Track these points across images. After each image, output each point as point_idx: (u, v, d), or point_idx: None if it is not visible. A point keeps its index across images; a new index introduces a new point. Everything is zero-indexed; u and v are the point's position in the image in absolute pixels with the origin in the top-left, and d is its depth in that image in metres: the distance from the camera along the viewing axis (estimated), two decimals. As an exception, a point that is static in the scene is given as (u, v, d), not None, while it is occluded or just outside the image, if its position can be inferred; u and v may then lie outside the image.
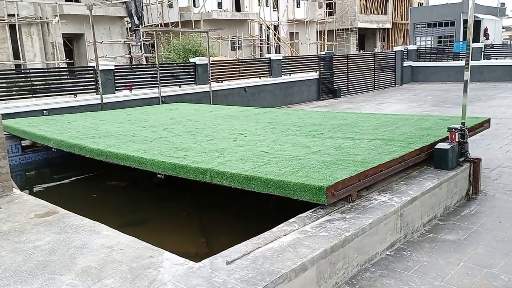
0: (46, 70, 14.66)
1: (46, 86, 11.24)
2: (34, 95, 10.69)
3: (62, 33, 20.44)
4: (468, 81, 5.65)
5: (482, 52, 21.16)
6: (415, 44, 26.00)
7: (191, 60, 14.63)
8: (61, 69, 14.76)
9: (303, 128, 6.95)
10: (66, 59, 20.52)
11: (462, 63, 21.12)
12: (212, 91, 13.79)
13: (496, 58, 21.42)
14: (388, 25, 44.08)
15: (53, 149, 7.44)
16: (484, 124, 6.75)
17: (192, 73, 13.96)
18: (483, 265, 3.80)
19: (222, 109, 10.10)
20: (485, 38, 26.40)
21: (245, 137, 6.36)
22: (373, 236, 3.88)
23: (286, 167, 4.49)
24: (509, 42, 29.94)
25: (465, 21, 25.95)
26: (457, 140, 5.43)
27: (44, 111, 10.31)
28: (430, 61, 23.26)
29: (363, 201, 4.29)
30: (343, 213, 4.00)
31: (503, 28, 33.66)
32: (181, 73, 14.10)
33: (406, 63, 22.63)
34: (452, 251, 4.11)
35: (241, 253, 3.27)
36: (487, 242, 4.27)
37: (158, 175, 5.27)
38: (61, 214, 4.35)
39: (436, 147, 5.38)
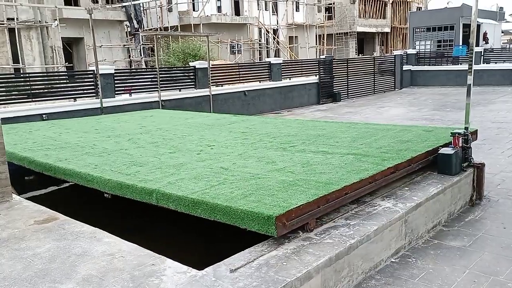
0: (45, 74, 14.62)
1: (45, 90, 11.20)
2: (33, 99, 10.64)
3: (61, 37, 20.43)
4: (472, 85, 5.63)
5: (482, 56, 21.18)
6: (415, 48, 26.02)
7: (191, 64, 14.61)
8: (61, 73, 14.71)
9: (276, 139, 6.56)
10: (65, 63, 20.49)
11: (461, 67, 21.17)
12: (212, 95, 13.75)
13: (496, 62, 21.45)
14: (387, 29, 44.17)
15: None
16: (471, 136, 6.38)
17: (192, 77, 13.92)
18: (489, 273, 3.75)
19: (200, 117, 9.69)
20: (484, 42, 26.44)
21: (211, 150, 6.00)
22: (378, 243, 3.83)
23: (240, 189, 4.04)
24: (508, 46, 30.00)
25: (465, 25, 26.01)
26: (460, 145, 5.40)
27: (44, 115, 10.26)
28: (429, 65, 23.28)
29: (367, 207, 4.24)
30: (347, 219, 3.95)
31: (502, 32, 33.73)
32: (181, 77, 14.06)
33: (405, 67, 22.64)
34: (458, 258, 4.06)
35: (244, 260, 3.21)
36: (492, 248, 4.22)
37: (105, 195, 4.84)
38: (61, 220, 4.29)
39: (439, 152, 5.34)
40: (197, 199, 3.87)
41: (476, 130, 6.31)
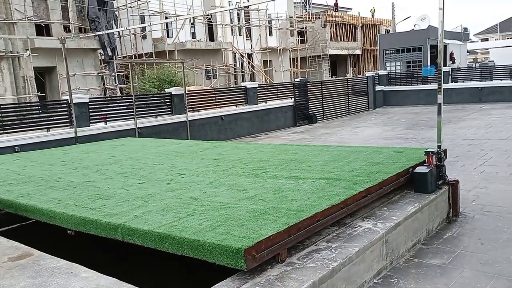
0: (17, 105, 14.35)
1: (17, 122, 10.96)
2: (5, 131, 10.40)
3: (33, 67, 20.16)
4: (442, 104, 5.81)
5: (450, 76, 21.92)
6: (386, 69, 26.76)
7: (167, 90, 14.60)
8: (33, 104, 14.49)
9: (248, 165, 6.49)
10: (38, 92, 20.18)
11: (431, 86, 21.84)
12: (189, 120, 13.74)
13: (463, 81, 22.22)
14: (358, 51, 45.36)
15: None
16: None
17: (168, 103, 13.90)
18: (470, 289, 3.80)
19: (172, 144, 9.56)
20: (451, 62, 27.42)
21: (181, 178, 5.86)
22: (360, 265, 3.84)
23: (208, 220, 3.93)
24: (474, 65, 31.17)
25: (432, 46, 26.96)
26: (434, 163, 5.52)
27: (16, 147, 10.02)
28: (400, 85, 23.93)
29: (348, 228, 4.27)
30: (329, 242, 3.96)
31: (467, 51, 35.08)
32: (157, 104, 14.02)
33: (378, 88, 23.20)
34: (439, 276, 4.10)
35: (228, 290, 3.17)
36: (471, 265, 4.29)
37: (68, 231, 4.64)
38: (36, 256, 4.15)
39: (415, 171, 5.44)
40: (163, 233, 3.72)
41: (445, 150, 6.39)
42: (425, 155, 5.56)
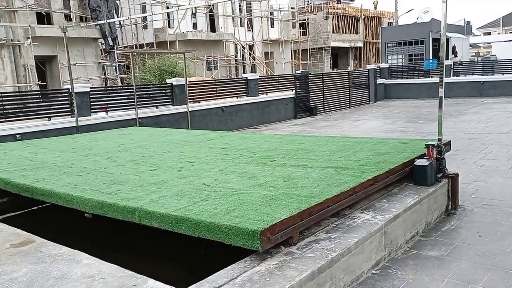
0: (18, 93, 14.35)
1: (18, 110, 10.97)
2: (6, 119, 10.41)
3: (34, 55, 20.13)
4: (443, 97, 5.81)
5: (452, 69, 21.87)
6: (387, 62, 26.68)
7: (168, 81, 14.59)
8: (34, 92, 14.47)
9: (256, 154, 6.56)
10: (38, 81, 20.17)
11: (432, 80, 21.80)
12: (189, 111, 13.75)
13: (465, 75, 22.17)
14: (360, 44, 45.20)
15: None
16: (445, 146, 6.33)
17: (169, 94, 13.90)
18: (467, 281, 3.84)
19: (179, 133, 9.65)
20: (453, 55, 27.33)
21: (191, 166, 5.94)
22: (359, 255, 3.87)
23: (223, 205, 4.04)
24: (476, 59, 31.08)
25: (434, 40, 26.87)
26: (434, 156, 5.54)
27: (17, 136, 10.04)
28: (402, 78, 23.87)
29: (347, 220, 4.30)
30: (328, 232, 3.99)
31: (470, 45, 34.95)
32: (158, 94, 14.01)
33: (379, 81, 23.15)
34: (436, 267, 4.14)
35: (228, 278, 3.21)
36: (469, 257, 4.32)
37: (86, 215, 4.76)
38: (38, 243, 4.19)
39: (415, 163, 5.47)
40: (180, 216, 3.83)
41: (449, 141, 6.48)
42: (425, 148, 5.58)
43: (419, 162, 5.45)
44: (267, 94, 17.21)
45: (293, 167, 5.53)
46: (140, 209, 4.15)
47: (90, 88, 12.40)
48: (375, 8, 47.77)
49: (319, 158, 5.94)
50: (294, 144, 7.31)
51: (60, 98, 11.78)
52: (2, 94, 10.84)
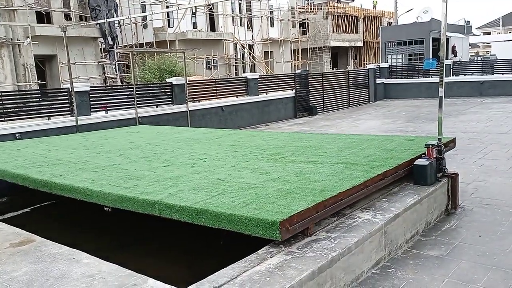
0: (17, 92, 14.33)
1: (17, 109, 10.95)
2: (5, 119, 10.39)
3: (34, 55, 20.11)
4: (443, 97, 5.81)
5: (451, 69, 21.86)
6: (387, 62, 26.67)
7: (167, 80, 14.57)
8: (34, 91, 14.46)
9: (266, 151, 6.69)
10: (38, 80, 20.14)
11: (432, 79, 21.79)
12: (189, 111, 13.73)
13: (465, 75, 22.16)
14: (360, 44, 45.18)
15: None
16: (450, 144, 6.54)
17: (169, 93, 13.88)
18: (467, 281, 3.84)
19: (186, 131, 9.76)
20: (453, 55, 27.31)
21: (203, 162, 6.07)
22: (359, 255, 3.88)
23: (240, 198, 4.19)
24: (475, 59, 31.09)
25: (434, 39, 26.84)
26: (434, 156, 5.54)
27: (17, 135, 10.01)
28: (401, 78, 23.86)
29: (347, 219, 4.30)
30: (328, 232, 3.99)
31: (469, 45, 34.92)
32: (158, 94, 13.99)
33: (379, 80, 23.14)
34: (436, 267, 4.14)
35: (228, 277, 3.20)
36: (469, 257, 4.32)
37: (105, 208, 4.91)
38: (38, 242, 4.19)
39: (415, 163, 5.47)
40: (200, 208, 3.97)
41: (454, 138, 6.63)
42: (425, 147, 5.58)
43: (419, 161, 5.46)
44: (266, 94, 17.19)
45: (304, 163, 5.66)
46: (160, 202, 4.27)
47: (90, 87, 12.38)
48: (374, 7, 47.75)
49: (328, 155, 6.09)
50: (302, 141, 7.44)
51: (59, 97, 11.76)
52: (2, 93, 10.82)
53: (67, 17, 23.40)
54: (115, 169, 5.91)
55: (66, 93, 11.49)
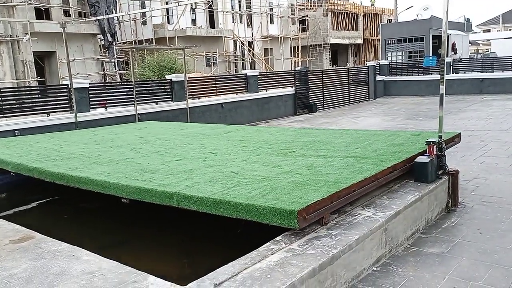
0: (16, 89, 14.28)
1: (17, 106, 10.92)
2: (4, 115, 10.36)
3: (33, 51, 20.04)
4: (444, 94, 5.80)
5: (451, 66, 21.83)
6: (387, 59, 26.62)
7: (167, 77, 14.53)
8: (33, 88, 14.41)
9: (274, 146, 6.81)
10: (37, 77, 20.08)
11: (432, 77, 21.77)
12: (189, 108, 13.71)
13: (465, 72, 22.13)
14: (360, 41, 45.09)
15: (11, 173, 7.05)
16: (455, 139, 6.70)
17: (169, 90, 13.85)
18: (468, 278, 3.83)
19: (193, 127, 9.91)
20: (453, 52, 27.27)
21: (215, 157, 6.18)
22: (360, 252, 3.86)
23: (256, 189, 4.32)
24: (475, 56, 31.03)
25: (434, 37, 26.79)
26: (435, 153, 5.52)
27: (16, 131, 10.00)
28: (401, 75, 23.83)
29: (348, 216, 4.28)
30: (329, 229, 3.98)
31: (469, 42, 34.87)
32: (157, 90, 13.96)
33: (378, 78, 23.11)
34: (437, 264, 4.13)
35: (228, 274, 3.19)
36: (470, 254, 4.31)
37: (123, 200, 5.04)
38: (37, 239, 4.17)
39: (415, 160, 5.45)
40: (219, 199, 4.09)
41: (459, 133, 6.76)
42: (426, 144, 5.56)
43: (419, 159, 5.44)
44: (266, 91, 17.16)
45: (314, 157, 5.75)
46: (178, 193, 4.39)
47: (89, 84, 12.35)
48: (373, 5, 47.58)
49: (336, 149, 6.19)
50: (309, 136, 7.53)
51: (59, 94, 11.73)
52: (1, 90, 10.79)
53: (66, 13, 23.32)
54: (129, 163, 6.04)
55: (66, 90, 11.46)
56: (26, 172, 6.35)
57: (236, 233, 4.63)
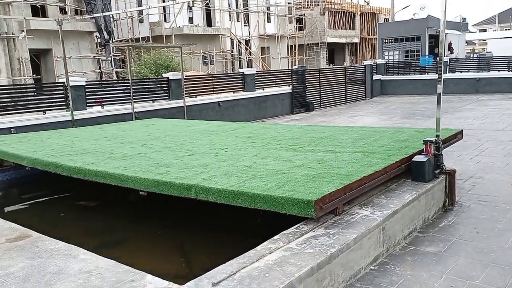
0: (12, 86, 14.21)
1: (13, 103, 10.86)
2: (0, 113, 10.31)
3: (29, 49, 19.94)
4: (441, 94, 5.81)
5: (448, 66, 21.90)
6: (383, 58, 26.67)
7: (164, 75, 14.50)
8: (29, 86, 14.34)
9: (283, 142, 6.94)
10: (33, 74, 19.98)
11: (428, 76, 21.84)
12: (186, 106, 13.68)
13: (461, 72, 22.20)
14: (356, 40, 45.15)
15: (27, 168, 7.12)
16: (457, 135, 6.92)
17: (166, 88, 13.82)
18: (465, 277, 3.84)
19: (200, 124, 10.01)
20: (449, 52, 27.34)
21: (226, 152, 6.30)
22: (358, 251, 3.87)
23: (271, 182, 4.47)
24: (472, 56, 31.13)
25: (430, 36, 26.86)
26: (432, 152, 5.53)
27: (12, 129, 9.94)
28: (398, 74, 23.88)
29: (346, 215, 4.29)
30: (327, 228, 3.98)
31: (465, 42, 34.98)
32: (154, 89, 13.93)
33: (375, 77, 23.14)
34: (434, 263, 4.14)
35: (226, 273, 3.18)
36: (467, 253, 4.33)
37: (141, 192, 5.14)
38: (34, 237, 4.15)
39: (413, 160, 5.46)
40: (237, 190, 4.24)
41: (461, 130, 6.93)
42: (423, 144, 5.57)
43: (417, 158, 5.45)
44: (263, 89, 17.16)
45: (322, 152, 5.87)
46: (196, 185, 4.51)
47: (86, 81, 12.31)
48: (368, 4, 47.62)
49: (344, 145, 6.31)
50: (315, 133, 7.63)
51: (55, 92, 11.69)
52: (-3, 87, 10.73)
53: (63, 11, 23.22)
54: (143, 158, 6.10)
55: (62, 88, 11.41)
56: (42, 167, 6.42)
57: (256, 223, 4.84)
